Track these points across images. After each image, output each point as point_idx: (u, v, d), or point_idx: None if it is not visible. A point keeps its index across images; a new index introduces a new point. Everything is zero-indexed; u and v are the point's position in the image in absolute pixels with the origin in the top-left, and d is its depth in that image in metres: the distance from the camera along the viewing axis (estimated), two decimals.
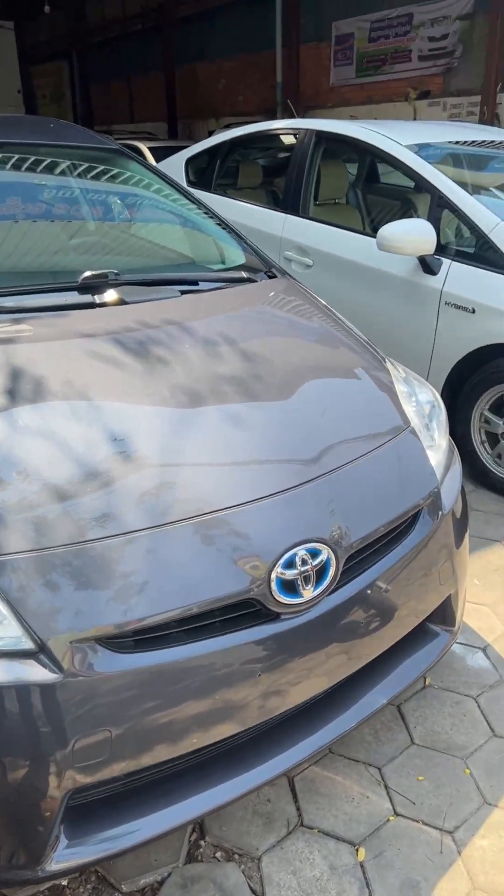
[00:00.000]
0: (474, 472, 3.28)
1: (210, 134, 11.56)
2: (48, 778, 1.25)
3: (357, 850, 1.66)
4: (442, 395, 3.24)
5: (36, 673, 1.22)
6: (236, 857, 1.64)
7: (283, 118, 9.17)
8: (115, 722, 1.27)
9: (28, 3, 18.25)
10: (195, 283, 2.21)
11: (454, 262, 3.18)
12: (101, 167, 2.77)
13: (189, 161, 4.75)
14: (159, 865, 1.61)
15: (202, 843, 1.67)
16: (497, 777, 1.84)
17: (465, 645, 2.30)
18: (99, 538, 1.32)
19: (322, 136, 3.90)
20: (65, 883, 1.57)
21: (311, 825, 1.72)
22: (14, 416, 1.50)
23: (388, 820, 1.73)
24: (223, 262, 2.53)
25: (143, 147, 8.94)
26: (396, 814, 1.75)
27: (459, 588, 1.90)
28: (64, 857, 1.32)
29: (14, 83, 21.49)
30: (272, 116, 13.16)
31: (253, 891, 1.57)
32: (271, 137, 4.59)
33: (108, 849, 1.36)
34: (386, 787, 1.82)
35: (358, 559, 1.58)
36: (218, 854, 1.65)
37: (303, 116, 13.06)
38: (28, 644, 1.23)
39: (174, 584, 1.33)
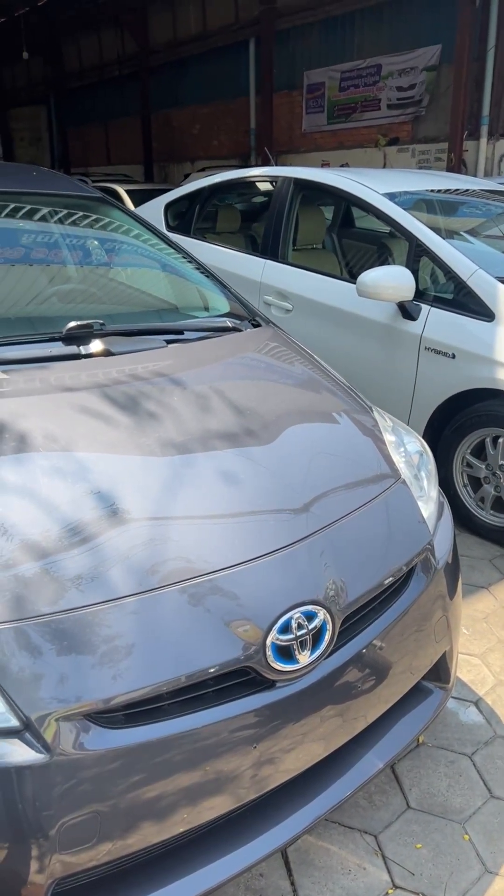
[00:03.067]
0: (458, 516, 3.26)
1: (186, 177, 11.76)
2: (32, 865, 1.17)
3: None
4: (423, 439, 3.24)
5: (21, 753, 1.14)
6: None
7: (257, 163, 9.34)
8: (105, 803, 1.20)
9: (7, 48, 18.59)
10: (181, 332, 2.18)
11: (433, 308, 3.21)
12: (84, 215, 2.76)
13: (168, 206, 4.78)
14: None
15: None
16: (497, 843, 1.78)
17: (458, 699, 2.25)
18: (85, 605, 1.26)
19: (300, 184, 3.96)
20: None
21: None
22: None
23: (388, 893, 1.66)
24: (206, 310, 2.52)
25: (121, 190, 9.05)
26: (395, 886, 1.67)
27: (454, 643, 1.86)
28: None
29: None
30: (246, 161, 13.44)
31: None
32: (250, 184, 4.66)
33: None
34: (383, 856, 1.74)
35: (354, 619, 1.53)
36: None
37: (275, 162, 13.37)
38: (13, 721, 1.16)
39: (165, 653, 1.27)
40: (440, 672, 1.86)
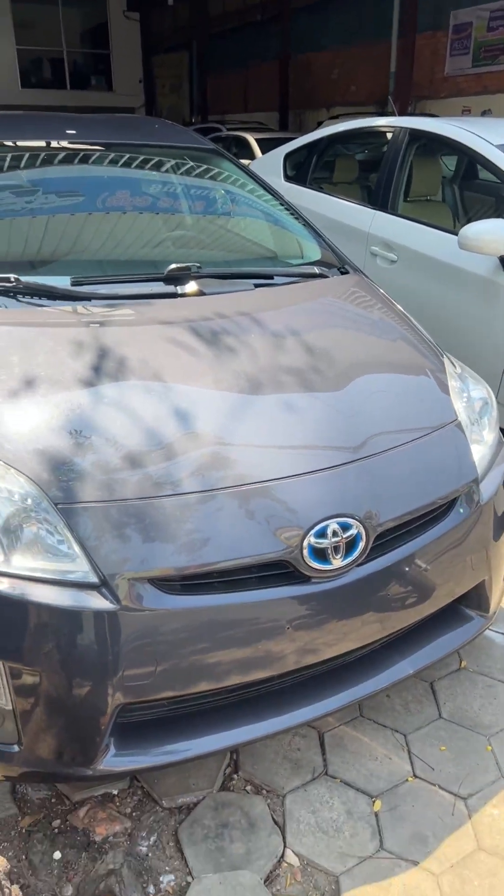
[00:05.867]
0: None
1: (319, 125, 11.64)
2: (101, 692, 1.50)
3: (374, 802, 1.83)
4: None
5: (97, 602, 1.46)
6: (264, 791, 1.85)
7: (393, 110, 9.13)
8: (160, 650, 1.50)
9: None
10: (270, 277, 2.40)
11: None
12: (198, 166, 3.00)
13: (287, 156, 4.92)
14: (196, 789, 1.84)
15: (235, 776, 1.88)
16: None
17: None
18: (158, 496, 1.55)
19: (415, 134, 3.98)
20: (115, 792, 1.82)
21: (334, 775, 1.90)
22: (98, 390, 1.75)
23: (407, 780, 1.89)
24: (302, 258, 2.71)
25: (251, 139, 9.17)
26: (415, 776, 1.90)
27: (494, 576, 2.01)
28: (112, 762, 1.56)
29: (136, 73, 22.22)
30: (383, 107, 13.06)
31: (275, 821, 1.77)
32: (368, 134, 4.69)
33: (150, 762, 1.60)
34: (409, 751, 1.97)
35: (389, 537, 1.73)
36: (248, 787, 1.86)
37: (414, 107, 12.89)
38: (93, 578, 1.48)
39: (218, 540, 1.54)
40: (481, 601, 2.02)
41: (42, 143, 2.68)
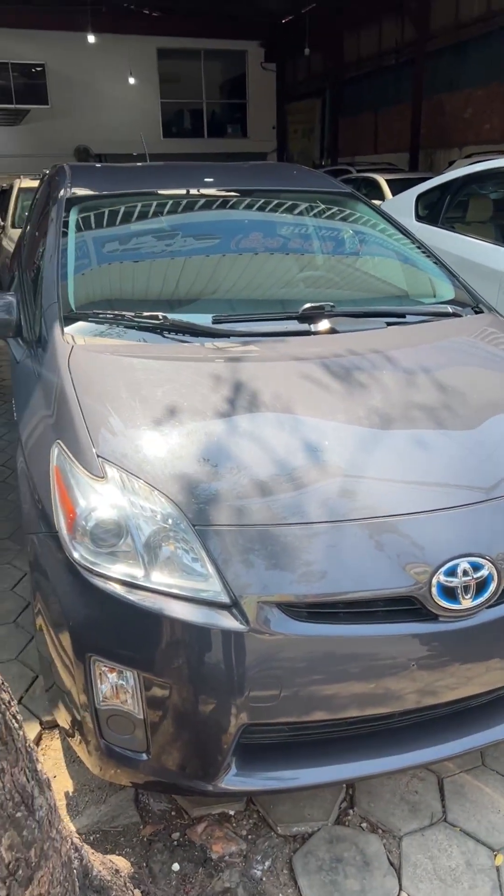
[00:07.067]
0: None
1: (450, 164, 11.58)
2: (226, 710, 1.55)
3: (496, 856, 1.76)
4: None
5: (228, 622, 1.53)
6: (380, 830, 1.82)
7: None
8: (284, 674, 1.54)
9: (290, 44, 19.61)
10: (402, 315, 2.43)
11: None
12: (332, 208, 3.10)
13: (420, 196, 4.95)
14: (311, 820, 1.84)
15: (350, 811, 1.87)
16: None
17: None
18: (288, 523, 1.61)
19: None
20: (231, 813, 1.87)
21: (454, 823, 1.84)
22: (233, 421, 1.84)
23: None
24: (434, 297, 2.72)
25: (381, 179, 9.26)
26: None
27: None
28: (232, 781, 1.61)
29: (270, 120, 23.11)
30: None
31: (391, 862, 1.74)
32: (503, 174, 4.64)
33: (268, 785, 1.64)
34: None
35: None
36: (363, 824, 1.84)
37: None
38: (225, 598, 1.55)
39: (347, 571, 1.57)
40: None
41: (194, 192, 2.88)
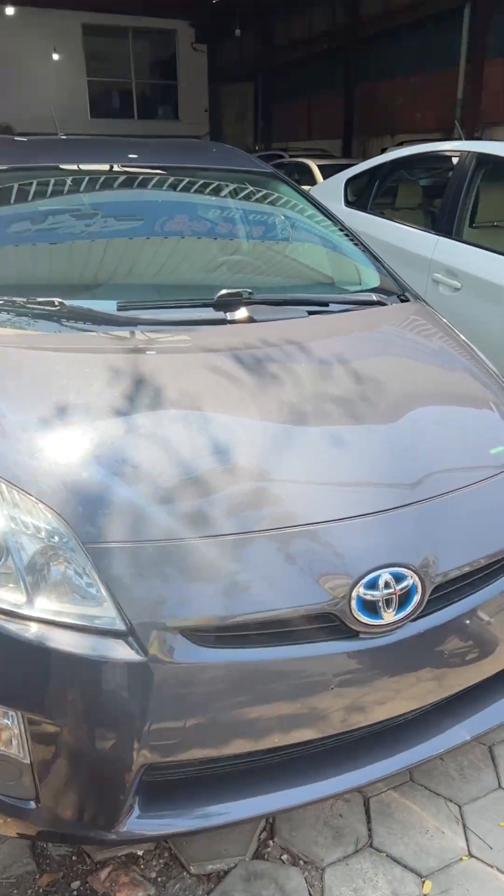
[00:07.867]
0: None
1: (382, 151, 11.56)
2: (125, 749, 1.37)
3: (423, 882, 1.64)
4: None
5: (124, 652, 1.34)
6: (301, 862, 1.69)
7: (460, 137, 8.96)
8: (190, 708, 1.37)
9: (221, 26, 19.28)
10: (325, 304, 2.28)
11: None
12: (254, 190, 2.92)
13: (349, 181, 4.82)
14: (227, 856, 1.69)
15: (270, 843, 1.73)
16: None
17: None
18: (192, 538, 1.44)
19: (483, 159, 3.82)
20: (140, 853, 1.69)
21: (380, 848, 1.72)
22: (133, 421, 1.65)
23: (461, 859, 1.70)
24: (360, 284, 2.58)
25: (313, 164, 9.15)
26: (471, 855, 1.71)
27: None
28: (135, 825, 1.43)
29: (202, 103, 22.72)
30: (449, 134, 12.92)
31: None
32: (431, 159, 4.56)
33: (176, 826, 1.47)
34: (464, 825, 1.78)
35: (447, 590, 1.57)
36: (284, 857, 1.70)
37: (482, 134, 12.69)
38: (120, 626, 1.36)
39: (257, 589, 1.41)
40: None
41: (101, 167, 2.65)
